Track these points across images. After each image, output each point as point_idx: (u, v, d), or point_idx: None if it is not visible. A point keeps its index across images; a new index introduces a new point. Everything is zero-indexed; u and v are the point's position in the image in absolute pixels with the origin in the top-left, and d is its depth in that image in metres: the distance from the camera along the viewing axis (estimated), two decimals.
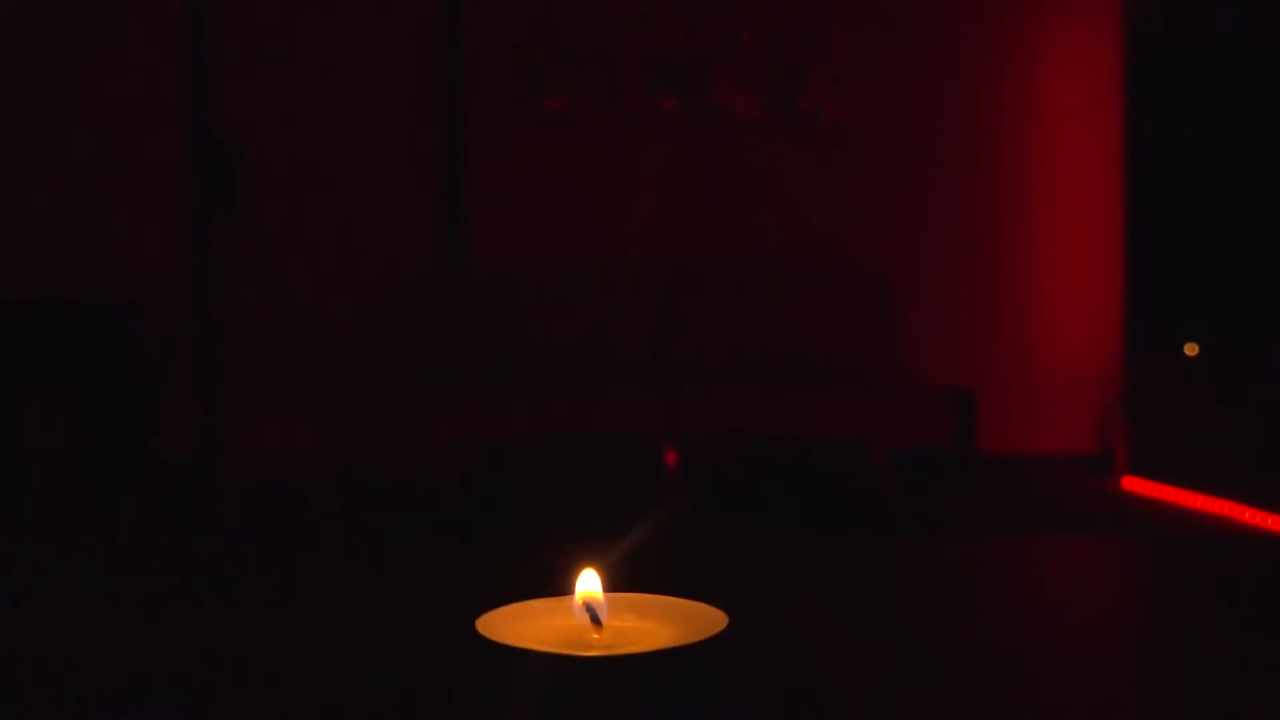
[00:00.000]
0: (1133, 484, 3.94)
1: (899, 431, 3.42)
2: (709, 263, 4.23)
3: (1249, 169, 4.12)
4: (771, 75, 4.29)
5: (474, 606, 0.56)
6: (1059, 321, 4.39)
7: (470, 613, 0.55)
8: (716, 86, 4.26)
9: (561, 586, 0.58)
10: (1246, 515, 3.34)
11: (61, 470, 3.84)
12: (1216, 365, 4.09)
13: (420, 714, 0.58)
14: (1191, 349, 4.15)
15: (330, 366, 3.98)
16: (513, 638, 0.53)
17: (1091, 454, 4.31)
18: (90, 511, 3.47)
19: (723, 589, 0.60)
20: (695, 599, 0.57)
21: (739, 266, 4.21)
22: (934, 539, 2.47)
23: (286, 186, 4.22)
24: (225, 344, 4.10)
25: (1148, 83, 4.21)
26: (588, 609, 0.56)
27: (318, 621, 0.77)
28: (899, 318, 4.13)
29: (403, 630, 0.74)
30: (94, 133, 4.24)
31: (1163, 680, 0.66)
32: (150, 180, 4.26)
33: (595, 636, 0.56)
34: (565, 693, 0.50)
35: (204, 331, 4.07)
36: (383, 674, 0.63)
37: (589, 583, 0.57)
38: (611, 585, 0.58)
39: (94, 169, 4.24)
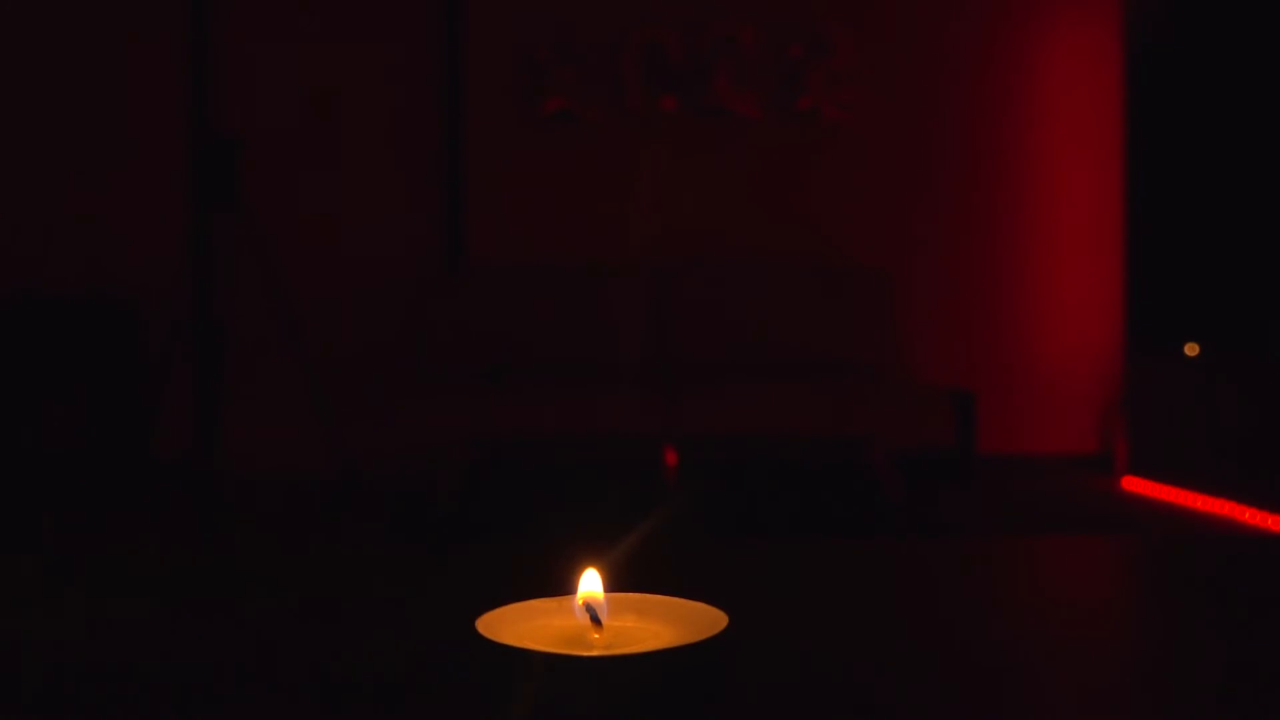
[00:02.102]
0: (1133, 484, 3.94)
1: (899, 431, 3.42)
2: (709, 262, 4.23)
3: (1249, 169, 4.12)
4: (771, 75, 4.30)
5: (474, 606, 0.56)
6: (1059, 321, 4.39)
7: (470, 613, 0.55)
8: (716, 86, 4.26)
9: (562, 586, 0.58)
10: (1246, 515, 3.34)
11: (62, 469, 3.84)
12: (1216, 365, 4.09)
13: (420, 714, 0.58)
14: (1191, 349, 4.15)
15: (331, 365, 3.99)
16: (513, 638, 0.53)
17: (1091, 454, 4.31)
18: (90, 511, 3.47)
19: (723, 589, 0.60)
20: (695, 599, 0.57)
21: (739, 266, 4.21)
22: (934, 539, 2.47)
23: (288, 184, 4.22)
24: (226, 342, 4.09)
25: (1148, 83, 4.21)
26: (588, 609, 0.56)
27: (317, 621, 0.77)
28: (899, 318, 4.13)
29: (403, 630, 0.73)
30: (95, 130, 4.24)
31: (1163, 680, 0.66)
32: (151, 178, 4.26)
33: (595, 636, 0.56)
34: (565, 693, 0.50)
35: (205, 329, 4.06)
36: (383, 674, 0.63)
37: (590, 583, 0.57)
38: (612, 585, 0.58)
39: (95, 167, 4.24)
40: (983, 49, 4.38)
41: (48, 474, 3.81)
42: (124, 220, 4.22)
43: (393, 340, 4.18)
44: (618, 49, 4.26)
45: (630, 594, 0.59)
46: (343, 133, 4.28)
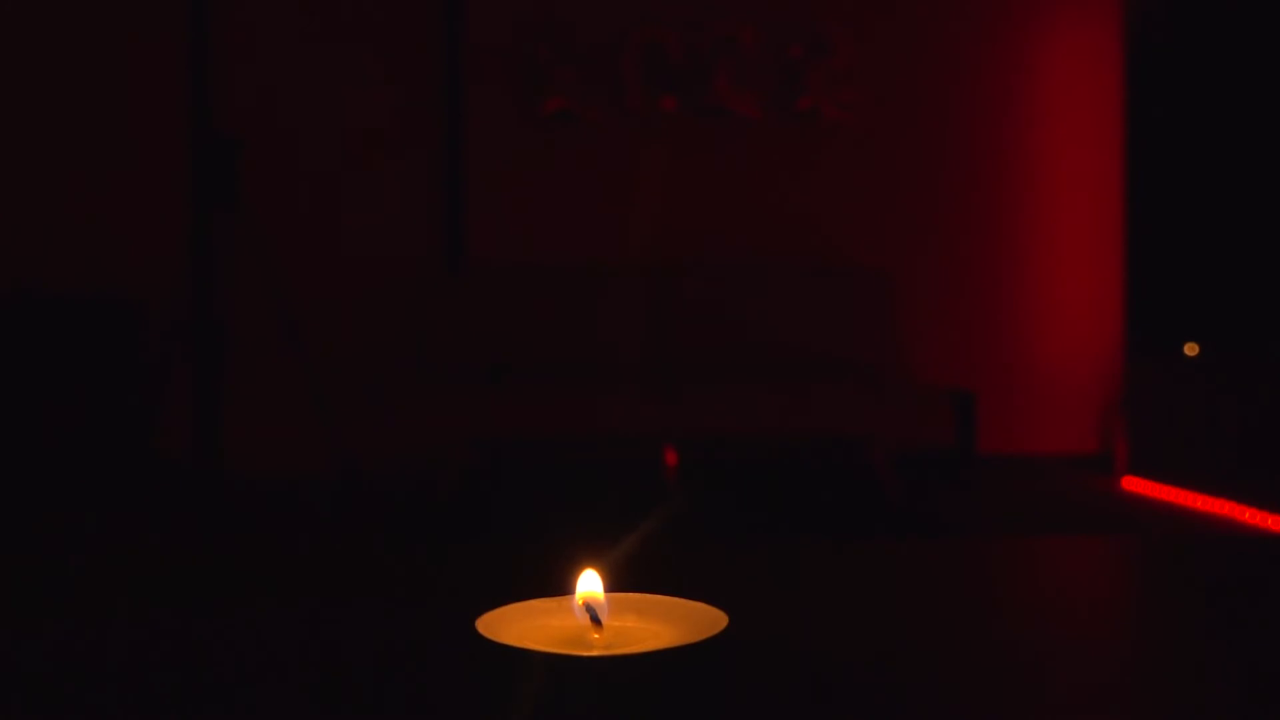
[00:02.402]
0: (1133, 484, 3.94)
1: (899, 431, 3.42)
2: (709, 262, 4.23)
3: (1249, 169, 4.12)
4: (771, 75, 4.29)
5: (474, 606, 0.56)
6: (1059, 321, 4.39)
7: (470, 613, 0.55)
8: (716, 86, 4.26)
9: (562, 586, 0.58)
10: (1246, 515, 3.34)
11: (62, 469, 3.84)
12: (1216, 365, 4.09)
13: (420, 714, 0.58)
14: (1191, 349, 4.15)
15: (331, 365, 3.98)
16: (513, 638, 0.53)
17: (1091, 454, 4.31)
18: (90, 511, 3.47)
19: (723, 589, 0.60)
20: (695, 599, 0.57)
21: (739, 266, 4.21)
22: (934, 539, 2.47)
23: (288, 184, 4.22)
24: (226, 342, 4.09)
25: (1148, 82, 4.21)
26: (588, 609, 0.56)
27: (317, 621, 0.77)
28: (899, 318, 4.13)
29: (403, 630, 0.73)
30: (95, 130, 4.24)
31: (1163, 680, 0.66)
32: (151, 178, 4.26)
33: (595, 636, 0.56)
34: (565, 693, 0.50)
35: (205, 329, 4.06)
36: (383, 674, 0.63)
37: (590, 583, 0.57)
38: (612, 585, 0.58)
39: (95, 167, 4.24)
40: (983, 49, 4.38)
41: (48, 474, 3.81)
42: (124, 220, 4.22)
43: (393, 340, 4.18)
44: (618, 49, 4.26)
45: (630, 594, 0.59)
46: (343, 133, 4.28)
